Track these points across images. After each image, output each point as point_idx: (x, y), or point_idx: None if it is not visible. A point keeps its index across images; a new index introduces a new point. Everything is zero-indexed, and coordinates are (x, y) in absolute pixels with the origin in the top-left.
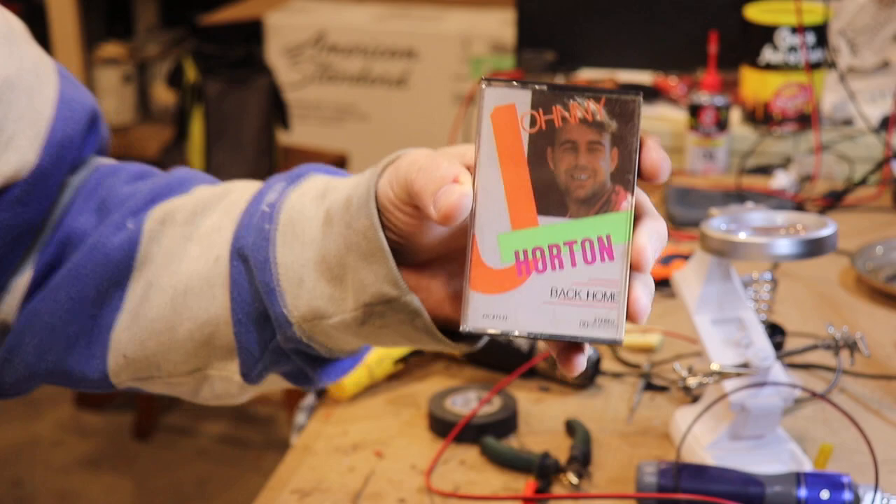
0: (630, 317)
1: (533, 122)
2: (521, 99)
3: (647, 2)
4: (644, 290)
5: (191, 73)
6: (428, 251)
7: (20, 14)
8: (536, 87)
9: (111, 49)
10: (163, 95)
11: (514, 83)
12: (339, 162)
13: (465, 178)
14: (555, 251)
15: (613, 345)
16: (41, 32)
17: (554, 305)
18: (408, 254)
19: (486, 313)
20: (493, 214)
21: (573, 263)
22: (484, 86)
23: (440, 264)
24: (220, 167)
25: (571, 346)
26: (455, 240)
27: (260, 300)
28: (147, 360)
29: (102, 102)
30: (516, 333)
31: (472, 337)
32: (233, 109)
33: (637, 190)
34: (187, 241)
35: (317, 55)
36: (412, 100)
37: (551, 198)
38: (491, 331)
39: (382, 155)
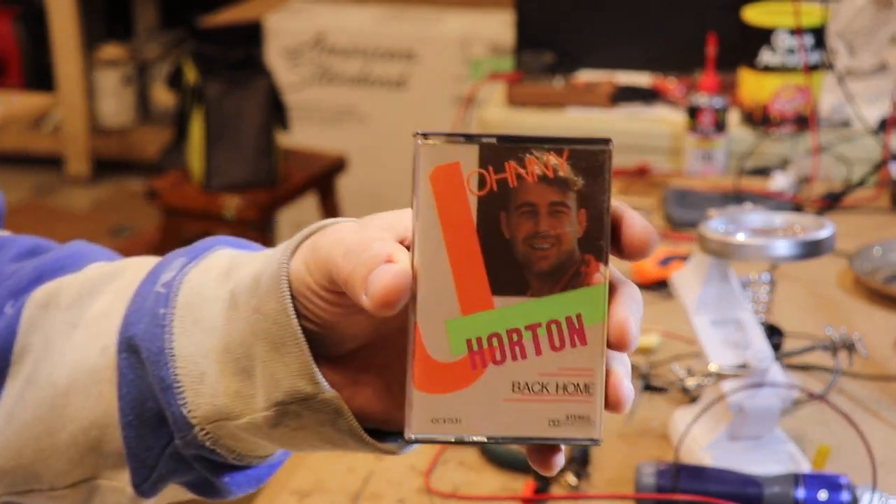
0: (611, 406)
1: (482, 182)
2: (466, 156)
3: (645, 3)
4: (626, 374)
5: (190, 74)
6: (354, 339)
7: (20, 15)
8: (484, 140)
9: (111, 50)
10: (163, 97)
11: (458, 137)
12: (339, 163)
13: (401, 256)
14: (515, 337)
15: (591, 445)
16: (41, 34)
17: (517, 403)
18: (330, 343)
19: (435, 417)
20: (438, 298)
21: (538, 351)
22: (419, 142)
23: (370, 353)
24: (219, 169)
25: (545, 446)
26: (387, 323)
27: (154, 398)
28: (24, 470)
29: (102, 104)
30: (473, 439)
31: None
32: (232, 111)
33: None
34: (72, 328)
35: (316, 57)
36: (411, 101)
37: (508, 273)
38: (442, 438)
39: (382, 156)
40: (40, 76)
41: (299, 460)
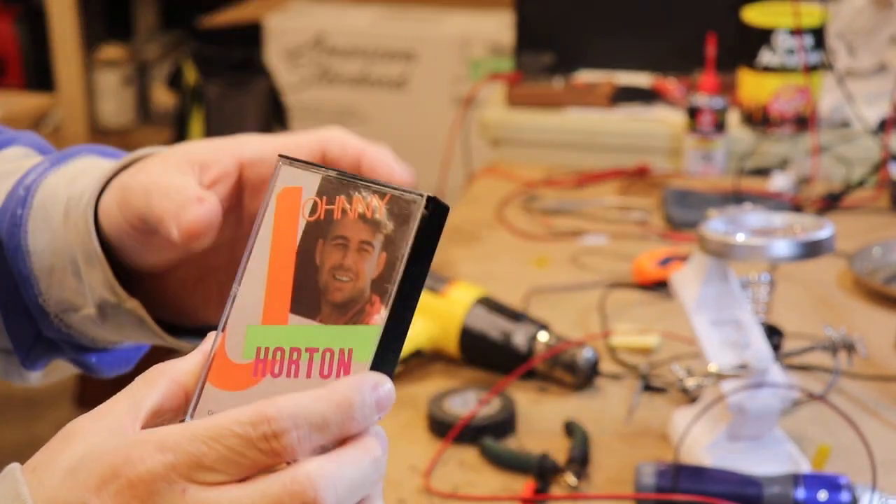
0: None
1: (314, 209)
2: (308, 183)
3: (645, 4)
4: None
5: (191, 75)
6: (162, 259)
7: (20, 15)
8: (327, 173)
9: (111, 51)
10: (163, 97)
11: (311, 166)
12: None
13: (209, 195)
14: (295, 356)
15: None
16: (41, 34)
17: None
18: (139, 258)
19: (211, 410)
20: (249, 302)
21: (308, 374)
22: (280, 163)
23: (184, 264)
24: None
25: None
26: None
27: (17, 290)
28: None
29: (103, 104)
30: None
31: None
32: (232, 112)
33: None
34: None
35: (316, 57)
36: (411, 102)
37: (308, 296)
38: None
39: None
40: (40, 76)
41: None
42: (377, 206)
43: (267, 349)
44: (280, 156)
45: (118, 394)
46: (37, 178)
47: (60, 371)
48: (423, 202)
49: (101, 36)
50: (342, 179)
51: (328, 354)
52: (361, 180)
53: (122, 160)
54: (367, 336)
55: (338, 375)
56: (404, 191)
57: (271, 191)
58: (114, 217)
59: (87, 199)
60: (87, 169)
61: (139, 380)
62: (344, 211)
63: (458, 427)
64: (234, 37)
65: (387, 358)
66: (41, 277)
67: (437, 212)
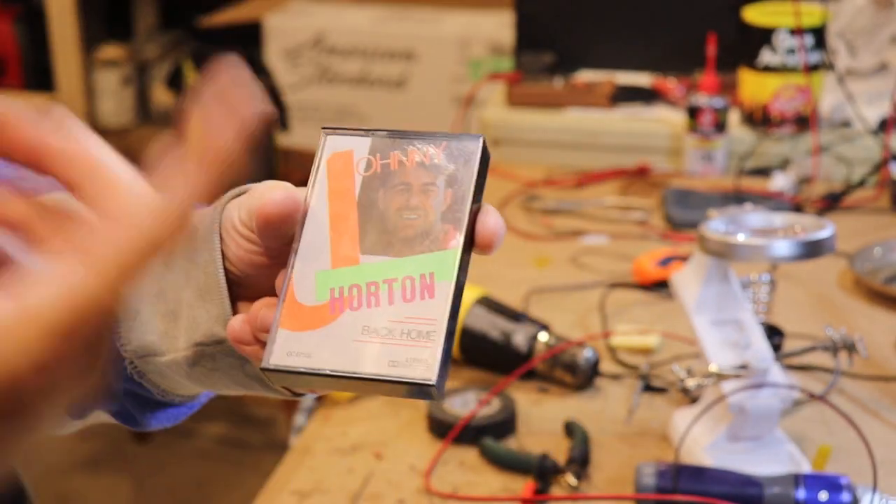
0: (482, 244)
1: (368, 166)
2: (359, 145)
3: (645, 3)
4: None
5: (190, 74)
6: (270, 292)
7: (20, 15)
8: (376, 133)
9: (111, 51)
10: (162, 97)
11: (357, 130)
12: None
13: (294, 189)
14: (373, 289)
15: (426, 392)
16: (41, 34)
17: (364, 343)
18: (248, 288)
19: (290, 351)
20: (314, 252)
21: (391, 301)
22: (325, 134)
23: None
24: None
25: None
26: None
27: None
28: None
29: (102, 104)
30: (317, 371)
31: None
32: None
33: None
34: None
35: (316, 57)
36: (411, 101)
37: (377, 237)
38: (292, 369)
39: None
40: (40, 76)
41: (299, 460)
42: (434, 153)
43: (342, 288)
44: (323, 127)
45: None
46: None
47: (92, 420)
48: (482, 143)
49: (101, 36)
50: (393, 137)
51: (408, 281)
52: (412, 135)
53: (238, 188)
54: (446, 259)
55: (422, 297)
56: (460, 136)
57: (319, 158)
58: (231, 221)
59: (208, 226)
60: None
61: None
62: (401, 162)
63: (458, 427)
64: (233, 37)
65: (462, 277)
66: (123, 321)
67: (486, 152)
